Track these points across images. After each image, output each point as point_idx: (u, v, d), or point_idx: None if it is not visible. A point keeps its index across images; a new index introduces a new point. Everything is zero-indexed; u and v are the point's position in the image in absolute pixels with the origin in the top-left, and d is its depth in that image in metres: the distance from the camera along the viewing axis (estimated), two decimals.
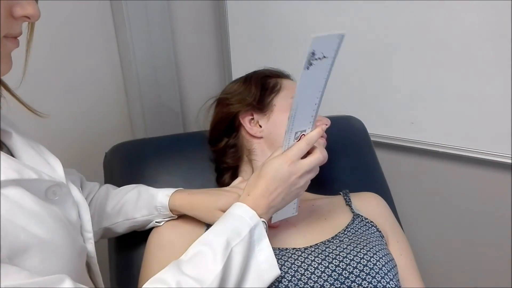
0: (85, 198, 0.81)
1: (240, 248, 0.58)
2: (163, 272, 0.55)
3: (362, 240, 0.73)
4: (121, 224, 0.82)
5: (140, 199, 0.81)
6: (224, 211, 0.69)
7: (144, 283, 0.73)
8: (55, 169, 0.60)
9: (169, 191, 0.80)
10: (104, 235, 0.85)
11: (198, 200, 0.77)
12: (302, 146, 0.65)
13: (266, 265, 0.60)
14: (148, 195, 0.81)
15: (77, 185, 0.79)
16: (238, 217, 0.62)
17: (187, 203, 0.77)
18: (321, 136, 0.86)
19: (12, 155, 0.58)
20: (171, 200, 0.78)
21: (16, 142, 0.59)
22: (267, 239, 0.61)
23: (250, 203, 0.63)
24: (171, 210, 0.78)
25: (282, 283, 0.65)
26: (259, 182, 0.64)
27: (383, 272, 0.67)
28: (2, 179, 0.48)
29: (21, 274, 0.44)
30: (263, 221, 0.62)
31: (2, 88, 0.58)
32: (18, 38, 0.51)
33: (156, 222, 0.81)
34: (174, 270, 0.55)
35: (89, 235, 0.63)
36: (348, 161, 1.06)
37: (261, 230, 0.61)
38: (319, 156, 0.66)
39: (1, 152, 0.52)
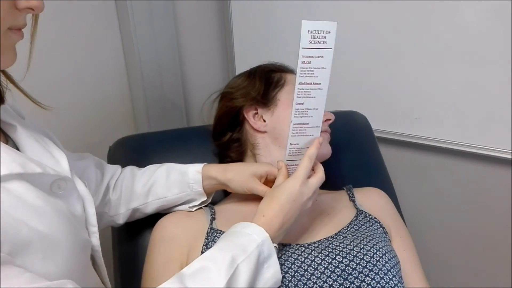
0: (109, 181, 0.83)
1: (247, 265, 0.58)
2: (164, 286, 0.55)
3: (366, 236, 0.73)
4: (151, 204, 0.82)
5: (170, 177, 0.82)
6: (257, 177, 0.76)
7: (148, 276, 0.74)
8: (60, 163, 0.60)
9: (198, 166, 0.81)
10: (132, 216, 0.85)
11: (231, 165, 0.81)
12: (306, 164, 0.68)
13: (272, 281, 0.61)
14: (178, 172, 0.82)
15: (90, 172, 0.80)
16: (245, 234, 0.62)
17: (221, 169, 0.80)
18: (325, 131, 0.87)
19: (17, 148, 0.58)
20: (204, 171, 0.80)
21: (21, 135, 0.58)
22: (275, 256, 0.62)
23: (264, 223, 0.64)
24: (203, 185, 0.80)
25: (286, 278, 0.66)
26: (273, 204, 0.65)
27: (386, 268, 0.67)
28: (5, 173, 0.48)
29: (21, 278, 0.44)
30: (275, 246, 0.63)
31: (7, 81, 0.58)
32: (22, 30, 0.51)
33: (189, 207, 0.82)
34: (177, 284, 0.55)
35: (94, 228, 0.63)
36: (352, 156, 1.06)
37: (270, 246, 0.62)
38: (323, 175, 0.70)
39: (5, 145, 0.52)
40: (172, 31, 1.37)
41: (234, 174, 0.78)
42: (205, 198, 0.82)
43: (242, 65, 1.22)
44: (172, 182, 0.81)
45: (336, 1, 1.17)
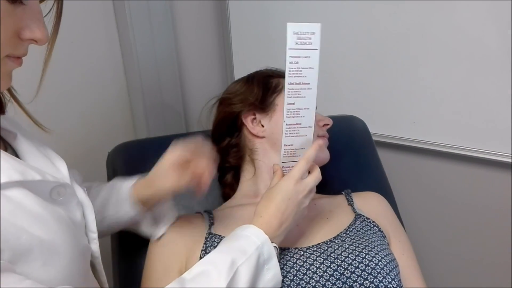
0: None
1: (247, 267, 0.58)
2: None
3: (364, 240, 0.73)
4: (105, 220, 0.77)
5: (109, 201, 0.77)
6: (170, 163, 0.70)
7: (147, 282, 0.74)
8: (59, 170, 0.60)
9: (129, 183, 0.76)
10: (105, 233, 0.81)
11: (150, 173, 0.74)
12: (302, 165, 0.68)
13: (272, 283, 0.61)
14: (115, 193, 0.77)
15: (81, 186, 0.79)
16: (244, 236, 0.62)
17: (144, 184, 0.74)
18: (323, 136, 0.87)
19: (17, 156, 0.58)
20: (134, 193, 0.75)
21: (21, 143, 0.59)
22: (276, 258, 0.62)
23: (263, 224, 0.64)
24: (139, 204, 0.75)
25: (284, 282, 0.66)
26: (269, 204, 0.66)
27: (385, 272, 0.67)
28: (5, 180, 0.48)
29: (21, 284, 0.44)
30: (274, 246, 0.63)
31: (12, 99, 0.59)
32: (21, 58, 0.50)
33: (156, 238, 0.78)
34: None
35: (94, 235, 0.63)
36: (350, 160, 1.06)
37: (270, 248, 0.62)
38: (319, 175, 0.70)
39: (5, 153, 0.52)
40: (171, 37, 1.37)
41: (154, 179, 0.73)
42: (148, 218, 0.78)
43: (241, 70, 1.22)
44: (110, 203, 0.77)
45: (333, 4, 1.18)
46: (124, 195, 0.76)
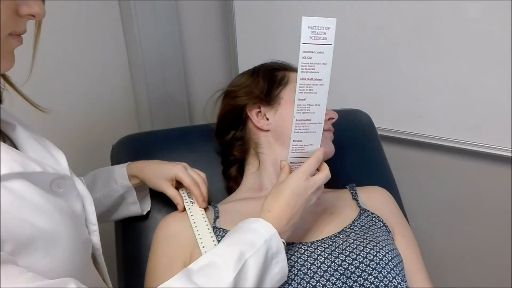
0: None
1: (255, 260, 0.57)
2: (171, 281, 0.55)
3: (369, 235, 0.73)
4: None
5: (98, 179, 0.85)
6: (168, 180, 0.81)
7: (151, 274, 0.74)
8: (59, 162, 0.60)
9: (124, 164, 0.87)
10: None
11: (149, 165, 0.85)
12: (312, 162, 0.68)
13: (279, 276, 0.61)
14: (105, 171, 0.86)
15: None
16: (253, 230, 0.62)
17: (140, 168, 0.85)
18: (328, 130, 0.86)
19: (16, 147, 0.58)
20: (127, 168, 0.85)
21: (20, 134, 0.59)
22: (284, 252, 0.62)
23: (271, 218, 0.63)
24: (132, 183, 0.84)
25: (289, 276, 0.66)
26: (279, 199, 0.65)
27: (389, 267, 0.67)
28: (6, 172, 0.48)
29: (22, 276, 0.44)
30: (282, 242, 0.63)
31: (6, 83, 0.58)
32: (22, 36, 0.51)
33: (144, 213, 0.87)
34: (183, 279, 0.54)
35: (94, 227, 0.63)
36: (355, 154, 1.06)
37: (278, 242, 0.61)
38: (328, 173, 0.70)
39: (5, 144, 0.52)
40: (175, 30, 1.37)
41: (149, 174, 0.83)
42: (135, 193, 0.86)
43: (245, 64, 1.22)
44: (100, 182, 0.85)
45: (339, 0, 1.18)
46: (118, 174, 0.85)
